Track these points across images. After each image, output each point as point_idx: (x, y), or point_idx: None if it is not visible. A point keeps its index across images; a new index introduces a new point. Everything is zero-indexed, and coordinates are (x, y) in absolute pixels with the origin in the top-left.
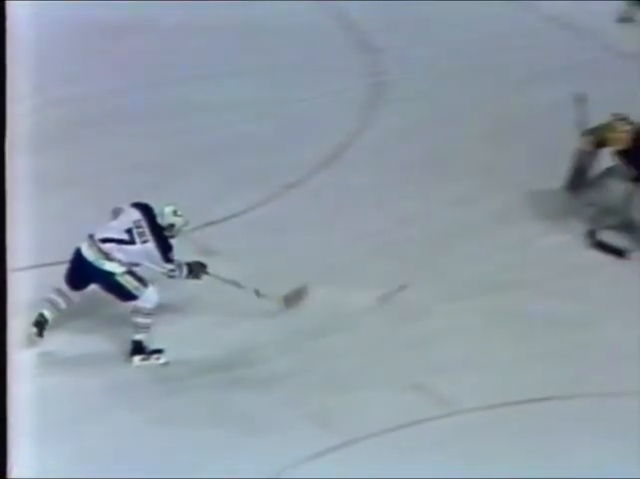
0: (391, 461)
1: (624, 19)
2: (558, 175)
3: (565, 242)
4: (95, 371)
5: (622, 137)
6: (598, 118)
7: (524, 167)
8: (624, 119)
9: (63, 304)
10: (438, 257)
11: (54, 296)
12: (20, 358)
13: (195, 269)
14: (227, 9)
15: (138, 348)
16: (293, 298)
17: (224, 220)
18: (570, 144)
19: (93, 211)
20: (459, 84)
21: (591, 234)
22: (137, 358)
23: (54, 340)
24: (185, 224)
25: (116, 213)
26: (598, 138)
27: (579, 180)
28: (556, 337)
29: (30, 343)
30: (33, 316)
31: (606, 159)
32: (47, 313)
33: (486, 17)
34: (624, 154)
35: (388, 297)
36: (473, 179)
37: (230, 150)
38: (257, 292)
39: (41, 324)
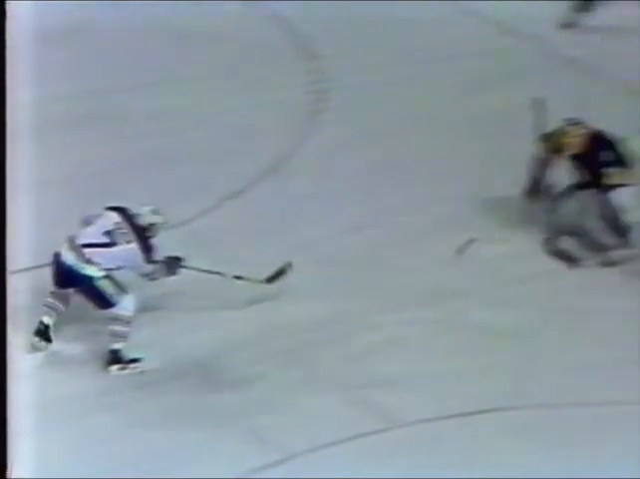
0: (332, 475)
1: (566, 25)
2: (507, 182)
3: (508, 251)
4: (93, 372)
5: (576, 141)
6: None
7: (473, 174)
8: (578, 123)
9: (61, 307)
10: (380, 268)
11: (51, 300)
12: (20, 359)
13: (172, 265)
14: (164, 13)
15: (115, 358)
16: (274, 277)
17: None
18: (522, 150)
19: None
20: (403, 91)
21: (549, 241)
22: (114, 368)
23: (54, 341)
24: (165, 222)
25: (87, 220)
26: (553, 143)
27: (536, 186)
28: (498, 348)
29: (36, 350)
30: (33, 320)
31: (563, 165)
32: (46, 319)
33: (429, 23)
34: (578, 158)
35: (463, 250)
36: (418, 187)
37: (168, 160)
38: (238, 277)
39: (42, 332)
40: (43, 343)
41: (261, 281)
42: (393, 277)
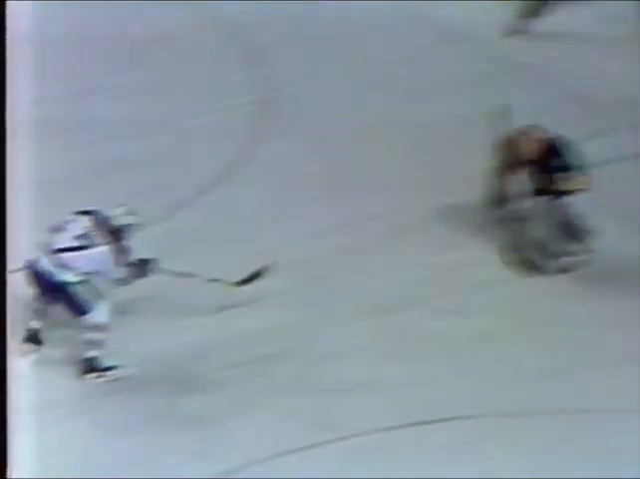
0: None
1: (514, 32)
2: (461, 190)
3: (463, 259)
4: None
5: (531, 148)
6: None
7: (427, 182)
8: (532, 130)
9: (48, 310)
10: (335, 276)
11: (36, 304)
12: (20, 359)
13: (144, 267)
14: (114, 19)
15: (91, 366)
16: (248, 280)
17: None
18: (475, 158)
19: None
20: (354, 99)
21: (505, 248)
22: (90, 376)
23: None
24: (139, 222)
25: (57, 227)
26: (509, 150)
27: (494, 194)
28: (459, 356)
29: (27, 354)
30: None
31: (519, 172)
32: (34, 324)
33: (380, 30)
34: (533, 165)
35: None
36: (370, 195)
37: (116, 168)
38: (210, 280)
39: (32, 337)
40: (34, 347)
41: (234, 284)
42: (348, 286)
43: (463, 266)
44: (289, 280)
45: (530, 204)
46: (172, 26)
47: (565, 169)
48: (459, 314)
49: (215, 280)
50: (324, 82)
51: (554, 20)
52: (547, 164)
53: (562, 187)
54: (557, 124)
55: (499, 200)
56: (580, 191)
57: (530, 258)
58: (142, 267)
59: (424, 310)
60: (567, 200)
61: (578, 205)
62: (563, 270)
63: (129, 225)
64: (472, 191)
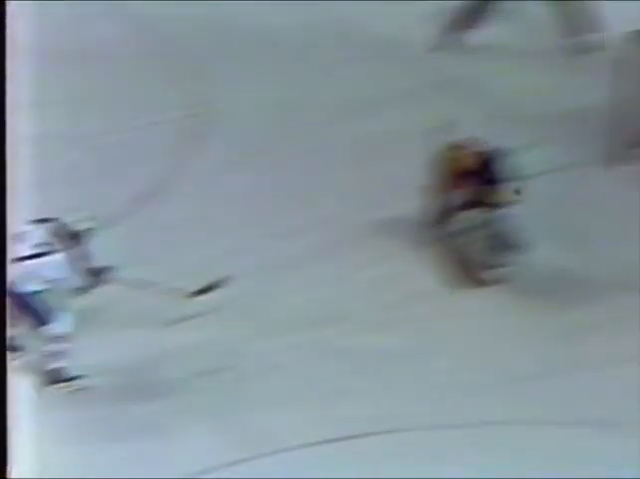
0: None
1: (443, 46)
2: (390, 205)
3: (402, 271)
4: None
5: (466, 161)
6: (425, 147)
7: (355, 197)
8: (469, 143)
9: (22, 316)
10: (261, 292)
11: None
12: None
13: (101, 274)
14: (46, 33)
15: (55, 377)
16: (203, 290)
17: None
18: (411, 171)
19: None
20: (286, 114)
21: (442, 261)
22: (54, 387)
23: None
24: (96, 225)
25: (19, 236)
26: (447, 163)
27: (432, 208)
28: (380, 371)
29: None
30: None
31: (455, 184)
32: (10, 331)
33: (303, 47)
34: (468, 177)
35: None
36: (299, 211)
37: (46, 183)
38: (165, 290)
39: (10, 345)
40: (14, 354)
41: (190, 295)
42: (275, 301)
43: (396, 280)
44: (223, 295)
45: (467, 216)
46: (106, 40)
47: (501, 181)
48: (383, 329)
49: (172, 291)
50: (257, 96)
51: (483, 34)
52: (484, 176)
53: (498, 199)
54: (488, 137)
55: (436, 213)
56: (516, 202)
57: (465, 270)
58: (99, 275)
59: (348, 326)
60: (503, 211)
61: (514, 216)
62: (497, 282)
63: (87, 229)
64: (407, 204)
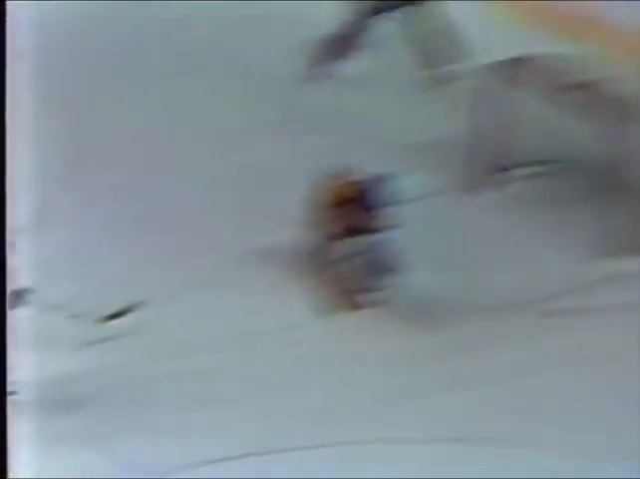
0: None
1: (309, 79)
2: (272, 234)
3: (279, 299)
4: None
5: (347, 188)
6: (302, 177)
7: (235, 227)
8: (346, 171)
9: None
10: (139, 323)
11: None
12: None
13: (17, 298)
14: None
15: None
16: (115, 315)
17: None
18: (287, 200)
19: None
20: (165, 143)
21: (319, 288)
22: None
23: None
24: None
25: None
26: (326, 191)
27: (312, 235)
28: (256, 397)
29: None
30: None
31: (338, 212)
32: None
33: (182, 78)
34: (349, 204)
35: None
36: (180, 240)
37: None
38: (74, 316)
39: None
40: None
41: (103, 319)
42: (157, 328)
43: (275, 307)
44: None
45: (347, 243)
46: None
47: (378, 207)
48: (258, 356)
49: (82, 315)
50: (136, 126)
51: (351, 66)
52: (361, 204)
53: (377, 224)
54: (361, 165)
55: (317, 241)
56: (391, 228)
57: (343, 295)
58: (18, 297)
59: (233, 354)
60: (380, 237)
61: (390, 241)
62: (373, 305)
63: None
64: (289, 233)
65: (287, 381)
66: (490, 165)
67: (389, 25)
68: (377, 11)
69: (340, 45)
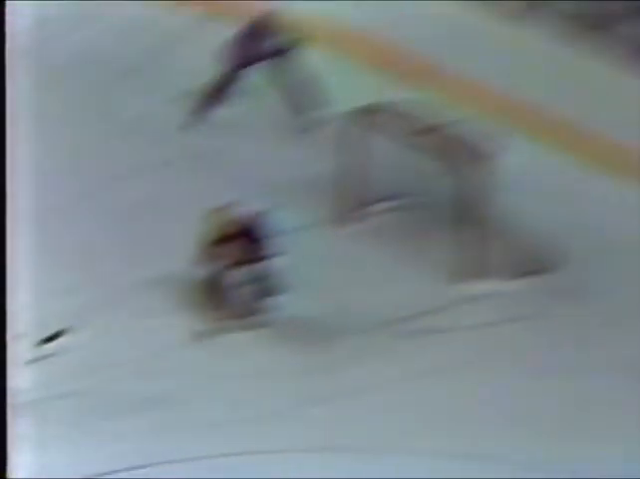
0: None
1: (189, 123)
2: (164, 264)
3: (168, 325)
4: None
5: (234, 222)
6: (188, 212)
7: (123, 256)
8: (227, 208)
9: None
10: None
11: None
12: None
13: None
14: None
15: None
16: (49, 339)
17: None
18: (179, 236)
19: None
20: (50, 181)
21: (209, 313)
22: None
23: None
24: None
25: None
26: (215, 226)
27: (202, 265)
28: (149, 414)
29: None
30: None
31: (226, 245)
32: None
33: (61, 123)
34: (237, 237)
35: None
36: (70, 270)
37: None
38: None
39: None
40: None
41: (40, 342)
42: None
43: (168, 329)
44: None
45: (236, 272)
46: None
47: (263, 238)
48: (148, 376)
49: (19, 336)
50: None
51: (227, 111)
52: (247, 235)
53: (261, 254)
54: (241, 202)
55: (208, 270)
56: (274, 257)
57: (234, 317)
58: None
59: (125, 371)
60: (265, 265)
61: (274, 269)
62: (261, 326)
63: None
64: (181, 264)
65: (175, 397)
66: (356, 200)
67: (261, 75)
68: (248, 63)
69: (216, 93)
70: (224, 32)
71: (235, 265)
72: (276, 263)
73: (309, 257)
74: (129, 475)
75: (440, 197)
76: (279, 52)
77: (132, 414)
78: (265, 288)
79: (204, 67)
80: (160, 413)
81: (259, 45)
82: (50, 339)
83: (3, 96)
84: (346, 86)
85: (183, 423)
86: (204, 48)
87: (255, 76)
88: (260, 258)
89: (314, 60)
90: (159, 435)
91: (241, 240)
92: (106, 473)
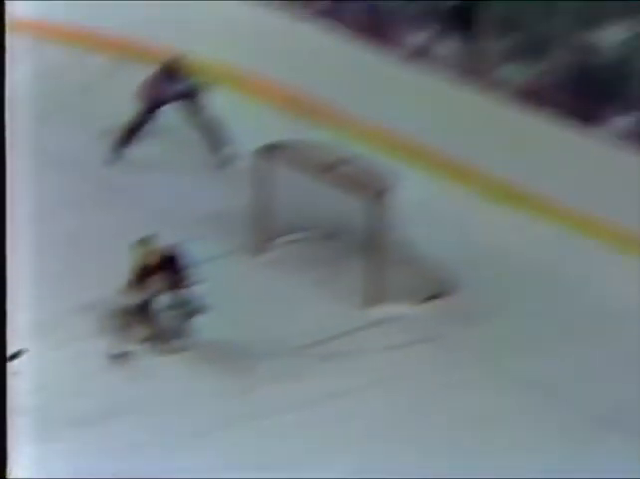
0: None
1: (112, 159)
2: (98, 292)
3: (94, 348)
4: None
5: (155, 254)
6: (111, 245)
7: (66, 284)
8: (148, 241)
9: None
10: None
11: None
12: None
13: None
14: None
15: None
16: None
17: None
18: (110, 265)
19: None
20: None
21: (135, 338)
22: None
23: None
24: None
25: None
26: (137, 259)
27: (134, 296)
28: (74, 433)
29: None
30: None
31: (152, 276)
32: None
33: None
34: (160, 268)
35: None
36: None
37: None
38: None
39: None
40: None
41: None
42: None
43: (97, 353)
44: None
45: (160, 300)
46: None
47: (182, 270)
48: (85, 396)
49: None
50: None
51: (143, 149)
52: (169, 265)
53: (182, 283)
54: (162, 236)
55: (134, 299)
56: (194, 285)
57: (159, 341)
58: None
59: (52, 392)
60: (187, 292)
61: (193, 297)
62: (183, 350)
63: None
64: (111, 291)
65: (97, 418)
66: (268, 231)
67: (177, 114)
68: (161, 103)
69: (132, 131)
70: (140, 74)
71: (160, 293)
72: (197, 291)
73: (227, 285)
74: None
75: (347, 227)
76: (190, 93)
77: (64, 433)
78: (187, 314)
79: (124, 106)
80: (85, 433)
81: (171, 86)
82: (13, 358)
83: None
84: (252, 125)
85: (105, 444)
86: (123, 88)
87: (171, 115)
88: (182, 287)
89: (220, 101)
90: (82, 455)
91: (164, 270)
92: None
